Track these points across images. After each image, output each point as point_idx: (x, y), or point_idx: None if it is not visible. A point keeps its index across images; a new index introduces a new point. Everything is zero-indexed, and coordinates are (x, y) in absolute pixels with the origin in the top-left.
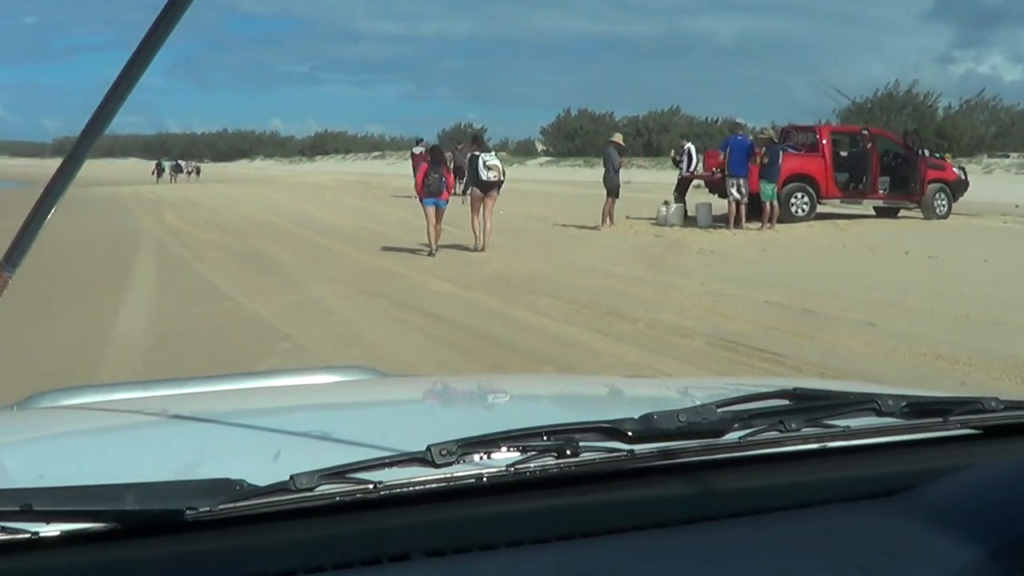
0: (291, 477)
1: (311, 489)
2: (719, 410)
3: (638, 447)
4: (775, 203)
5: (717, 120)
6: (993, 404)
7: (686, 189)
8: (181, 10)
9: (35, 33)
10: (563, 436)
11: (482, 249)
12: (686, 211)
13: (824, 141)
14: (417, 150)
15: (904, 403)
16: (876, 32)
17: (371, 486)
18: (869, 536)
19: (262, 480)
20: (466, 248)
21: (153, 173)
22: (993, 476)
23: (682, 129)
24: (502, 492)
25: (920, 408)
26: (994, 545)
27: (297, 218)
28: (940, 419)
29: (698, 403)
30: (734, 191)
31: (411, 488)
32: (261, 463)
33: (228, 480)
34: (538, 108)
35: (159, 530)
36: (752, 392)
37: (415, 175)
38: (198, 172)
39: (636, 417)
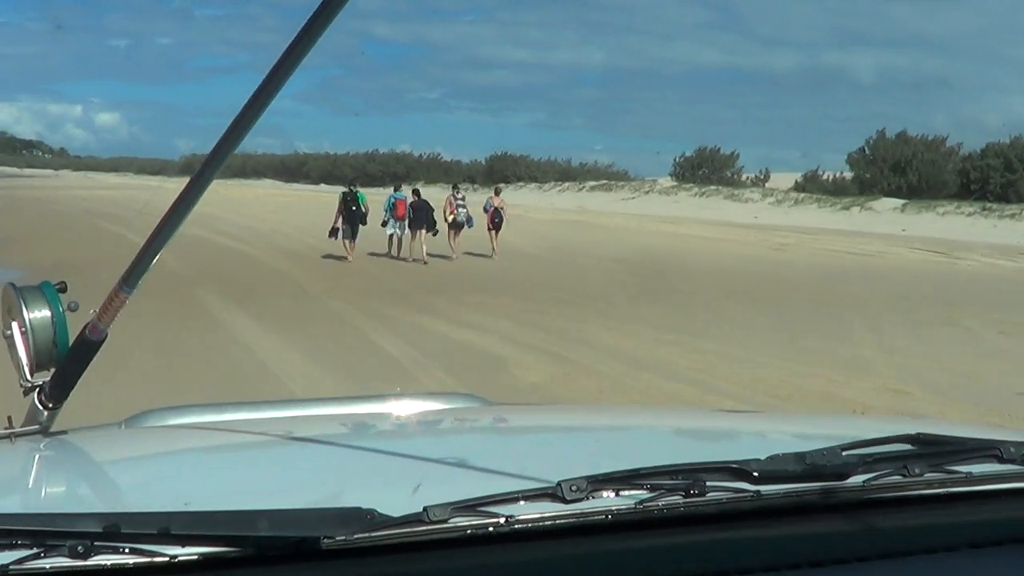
0: (424, 508)
1: (444, 521)
2: (844, 453)
3: (764, 488)
4: None
5: None
6: None
7: None
8: (317, 34)
9: (170, 54)
10: (691, 475)
11: None
12: None
13: None
14: None
15: None
16: (1018, 70)
17: (502, 520)
18: None
19: (385, 509)
20: None
21: (332, 234)
22: None
23: None
24: (628, 529)
25: None
26: None
27: None
28: None
29: (816, 443)
30: None
31: (542, 523)
32: (378, 491)
33: (359, 509)
34: (664, 140)
35: (293, 557)
36: (874, 436)
37: None
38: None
39: (762, 458)
